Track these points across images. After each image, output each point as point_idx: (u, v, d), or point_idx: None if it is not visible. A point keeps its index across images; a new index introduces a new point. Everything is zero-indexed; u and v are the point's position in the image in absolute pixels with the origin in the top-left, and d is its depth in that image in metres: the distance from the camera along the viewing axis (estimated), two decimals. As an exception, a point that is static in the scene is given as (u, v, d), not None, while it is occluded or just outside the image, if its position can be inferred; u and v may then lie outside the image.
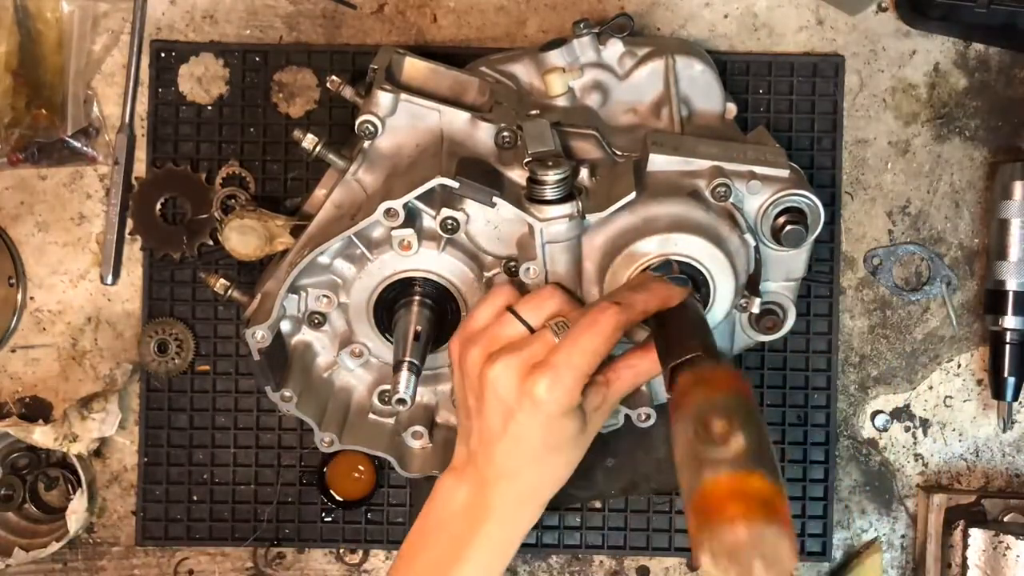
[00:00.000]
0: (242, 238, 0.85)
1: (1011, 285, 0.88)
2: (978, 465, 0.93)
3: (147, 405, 0.91)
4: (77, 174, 0.92)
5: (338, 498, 0.91)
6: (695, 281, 0.72)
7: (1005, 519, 0.88)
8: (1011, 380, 0.88)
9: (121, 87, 0.91)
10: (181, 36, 0.92)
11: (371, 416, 0.85)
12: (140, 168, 0.91)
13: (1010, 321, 0.88)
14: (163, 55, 0.91)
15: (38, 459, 0.93)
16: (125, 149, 0.91)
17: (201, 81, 0.91)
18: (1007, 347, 0.88)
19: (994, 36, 0.90)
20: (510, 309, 0.71)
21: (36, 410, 0.93)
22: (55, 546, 0.89)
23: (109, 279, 0.91)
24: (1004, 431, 0.91)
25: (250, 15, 0.92)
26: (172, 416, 0.92)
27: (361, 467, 0.91)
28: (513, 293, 0.73)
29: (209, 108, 0.91)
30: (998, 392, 0.89)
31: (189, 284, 0.91)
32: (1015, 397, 0.89)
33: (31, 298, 0.92)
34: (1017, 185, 0.88)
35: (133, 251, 0.92)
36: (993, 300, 0.89)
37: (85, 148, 0.91)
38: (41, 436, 0.89)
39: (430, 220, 0.75)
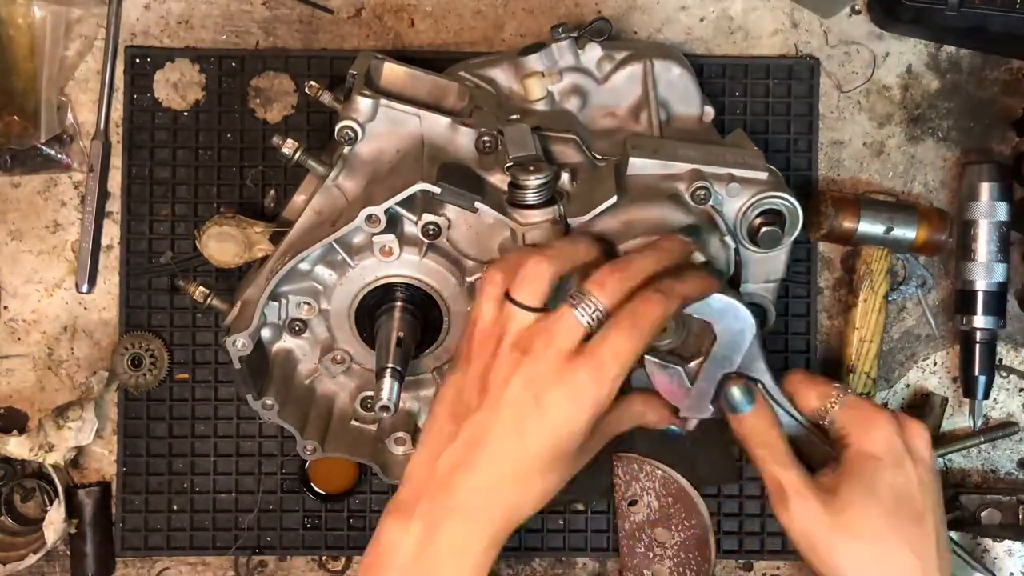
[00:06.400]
0: (221, 245, 0.84)
1: (980, 285, 0.89)
2: (955, 462, 0.94)
3: (125, 414, 0.90)
4: (51, 181, 0.91)
5: (320, 491, 0.90)
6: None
7: (982, 515, 0.89)
8: (982, 379, 0.90)
9: (95, 93, 0.90)
10: (156, 42, 0.91)
11: (353, 423, 0.84)
12: (116, 175, 0.90)
13: (979, 321, 0.89)
14: (138, 61, 0.90)
15: (13, 470, 0.91)
16: (100, 156, 0.90)
17: (177, 87, 0.90)
18: (977, 346, 0.89)
19: (965, 38, 0.91)
20: (508, 297, 0.64)
21: (11, 421, 0.91)
22: (32, 558, 0.88)
23: (85, 287, 0.90)
24: (975, 428, 0.92)
25: (226, 20, 0.91)
26: (151, 425, 0.91)
27: (342, 465, 0.90)
28: (502, 275, 0.66)
29: (185, 114, 0.90)
30: (969, 390, 0.90)
31: (167, 292, 0.90)
32: (985, 395, 0.90)
33: (5, 307, 0.91)
34: (983, 186, 0.89)
35: (109, 259, 0.91)
36: (962, 300, 0.90)
37: (59, 155, 0.90)
38: (16, 447, 0.88)
39: (411, 226, 0.75)
